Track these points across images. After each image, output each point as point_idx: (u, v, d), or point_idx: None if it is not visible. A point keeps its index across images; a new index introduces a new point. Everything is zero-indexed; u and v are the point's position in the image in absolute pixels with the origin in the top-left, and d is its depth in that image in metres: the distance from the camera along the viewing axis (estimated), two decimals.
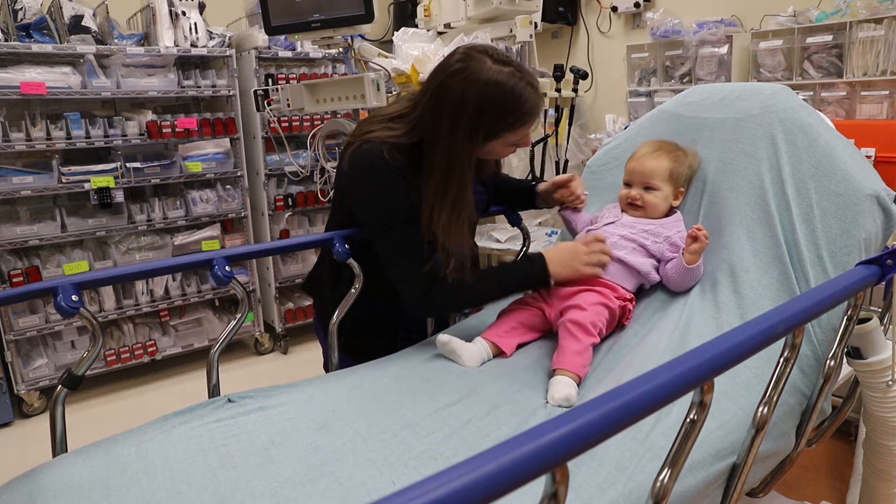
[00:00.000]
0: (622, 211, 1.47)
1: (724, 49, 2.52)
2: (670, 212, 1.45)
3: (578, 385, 1.17)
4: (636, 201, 1.42)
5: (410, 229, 1.27)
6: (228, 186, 3.13)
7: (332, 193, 1.81)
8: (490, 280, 1.35)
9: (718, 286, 1.31)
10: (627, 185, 1.45)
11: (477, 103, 1.20)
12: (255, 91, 2.62)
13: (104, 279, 1.24)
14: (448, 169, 1.25)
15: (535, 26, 2.84)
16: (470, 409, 1.12)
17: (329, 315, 1.42)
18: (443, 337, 1.29)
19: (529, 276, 1.35)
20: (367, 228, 1.35)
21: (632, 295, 1.37)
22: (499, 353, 1.30)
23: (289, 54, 3.14)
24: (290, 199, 3.23)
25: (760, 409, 0.94)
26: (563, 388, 1.14)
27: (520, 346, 1.33)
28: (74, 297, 1.08)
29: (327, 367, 1.52)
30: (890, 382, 1.20)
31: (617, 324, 1.34)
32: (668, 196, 1.42)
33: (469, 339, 1.31)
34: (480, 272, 1.37)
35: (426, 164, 1.27)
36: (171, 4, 2.87)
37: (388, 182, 1.27)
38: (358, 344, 1.45)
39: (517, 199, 1.67)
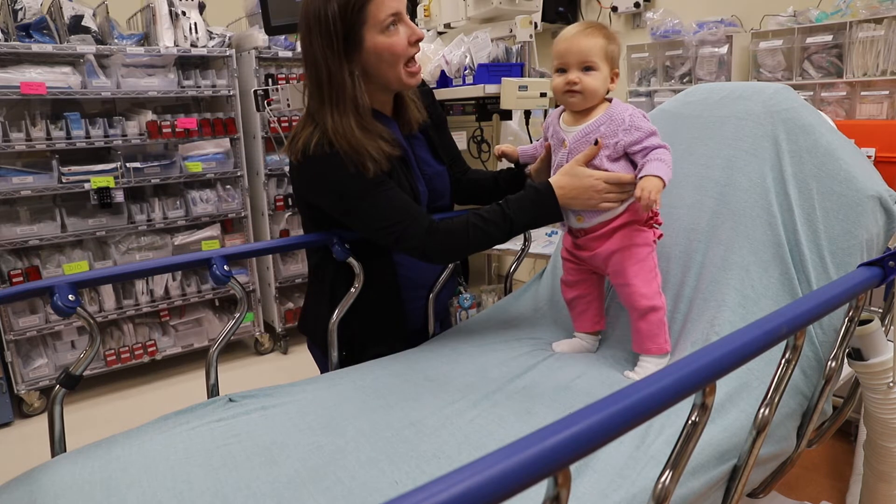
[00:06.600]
0: (559, 118, 1.32)
1: (724, 49, 2.52)
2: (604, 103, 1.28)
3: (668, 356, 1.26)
4: (574, 86, 1.23)
5: (383, 190, 1.27)
6: (228, 186, 3.13)
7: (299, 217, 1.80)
8: (495, 218, 1.27)
9: (720, 283, 1.31)
10: (561, 70, 1.26)
11: (322, 14, 1.25)
12: (255, 91, 2.61)
13: (101, 278, 1.24)
14: (317, 77, 1.29)
15: (535, 26, 2.83)
16: (473, 406, 1.12)
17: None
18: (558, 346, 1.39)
19: (539, 209, 1.27)
20: (343, 215, 1.32)
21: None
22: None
23: (289, 54, 3.14)
24: (290, 199, 3.23)
25: (762, 410, 0.94)
26: (645, 370, 1.23)
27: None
28: (71, 297, 1.08)
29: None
30: (891, 384, 1.20)
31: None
32: (606, 78, 1.25)
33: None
34: (481, 210, 1.30)
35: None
36: (171, 4, 2.87)
37: (336, 164, 1.26)
38: (366, 357, 1.41)
39: (510, 186, 1.54)
